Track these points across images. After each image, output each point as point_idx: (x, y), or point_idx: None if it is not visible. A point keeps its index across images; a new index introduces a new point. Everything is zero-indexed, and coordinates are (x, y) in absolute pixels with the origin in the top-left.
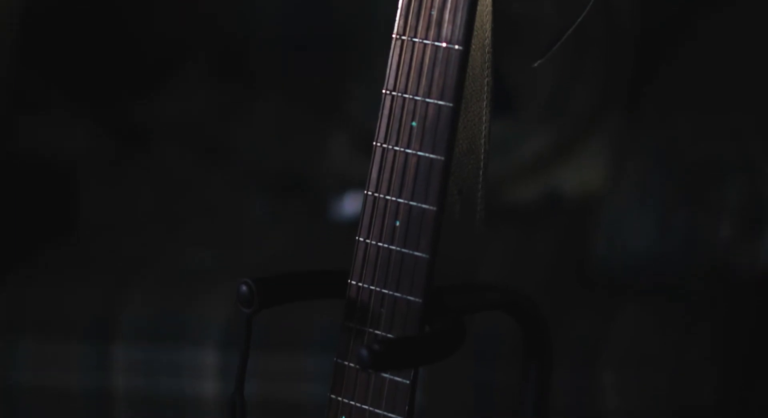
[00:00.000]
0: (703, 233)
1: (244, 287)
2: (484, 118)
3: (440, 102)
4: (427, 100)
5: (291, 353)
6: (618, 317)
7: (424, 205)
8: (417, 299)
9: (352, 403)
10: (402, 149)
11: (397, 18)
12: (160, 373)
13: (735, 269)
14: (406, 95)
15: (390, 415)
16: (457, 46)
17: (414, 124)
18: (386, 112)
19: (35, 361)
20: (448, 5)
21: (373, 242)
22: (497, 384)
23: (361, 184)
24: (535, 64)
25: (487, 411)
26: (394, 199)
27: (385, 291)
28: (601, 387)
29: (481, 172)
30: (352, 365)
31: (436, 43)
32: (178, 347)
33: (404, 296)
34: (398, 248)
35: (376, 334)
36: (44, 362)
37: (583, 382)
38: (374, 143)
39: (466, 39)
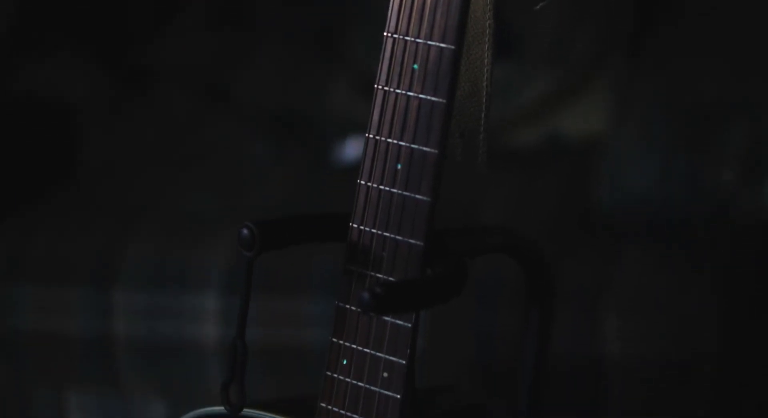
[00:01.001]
0: (706, 176)
1: (245, 231)
2: (486, 61)
3: (442, 44)
4: (429, 42)
5: (292, 297)
6: (620, 262)
7: (425, 148)
8: (418, 243)
9: (354, 347)
10: (403, 92)
11: None
12: (161, 318)
13: (738, 213)
14: (408, 38)
15: (391, 358)
16: None
17: (415, 66)
18: (387, 54)
19: (36, 306)
20: None
21: (375, 185)
22: (498, 328)
23: (363, 127)
24: (537, 7)
25: (488, 355)
26: (395, 142)
27: (387, 234)
28: (602, 332)
29: (483, 116)
30: (353, 308)
31: None
32: (179, 291)
33: (405, 240)
34: (399, 191)
35: (378, 277)
36: (45, 307)
37: (584, 326)
38: (375, 86)
39: None
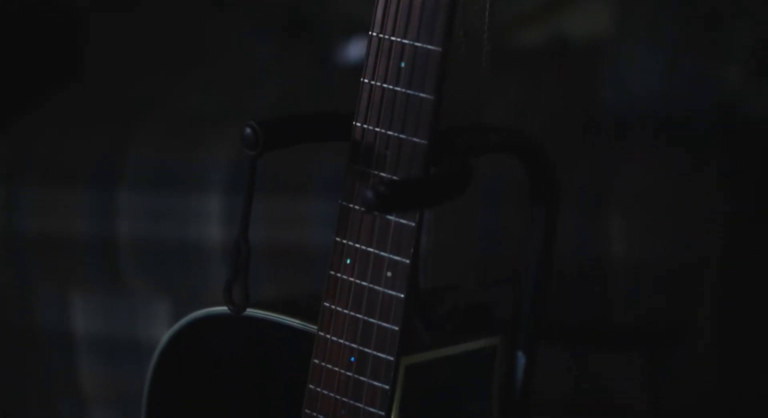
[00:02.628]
0: (712, 76)
1: (248, 130)
2: None
3: None
4: None
5: (296, 197)
6: (625, 163)
7: (429, 46)
8: (422, 141)
9: (357, 246)
10: None
11: None
12: (164, 218)
13: (744, 113)
14: None
15: (395, 258)
16: None
17: None
18: None
19: (39, 207)
20: None
21: (378, 84)
22: (503, 228)
23: (367, 26)
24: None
25: (492, 255)
26: (399, 39)
27: (390, 133)
28: (606, 233)
29: (486, 14)
30: (357, 207)
31: None
32: (182, 191)
33: (409, 138)
34: (403, 89)
35: (382, 176)
36: (48, 208)
37: (588, 228)
38: None
39: None
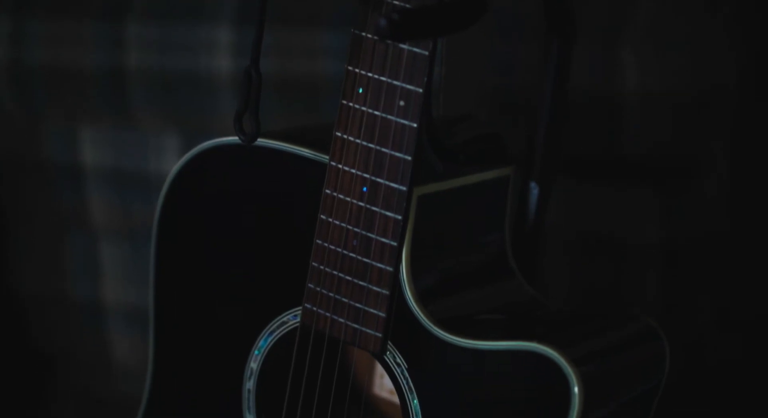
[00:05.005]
0: None
1: None
2: None
3: None
4: None
5: (308, 27)
6: None
7: None
8: None
9: (370, 75)
10: None
11: None
12: (173, 49)
13: None
14: None
15: (408, 87)
16: None
17: None
18: None
19: (46, 38)
20: None
21: None
22: (518, 58)
23: None
24: None
25: (506, 87)
26: None
27: None
28: (621, 66)
29: None
30: (369, 36)
31: None
32: (192, 22)
33: None
34: None
35: (395, 3)
36: (55, 39)
37: (603, 60)
38: None
39: None
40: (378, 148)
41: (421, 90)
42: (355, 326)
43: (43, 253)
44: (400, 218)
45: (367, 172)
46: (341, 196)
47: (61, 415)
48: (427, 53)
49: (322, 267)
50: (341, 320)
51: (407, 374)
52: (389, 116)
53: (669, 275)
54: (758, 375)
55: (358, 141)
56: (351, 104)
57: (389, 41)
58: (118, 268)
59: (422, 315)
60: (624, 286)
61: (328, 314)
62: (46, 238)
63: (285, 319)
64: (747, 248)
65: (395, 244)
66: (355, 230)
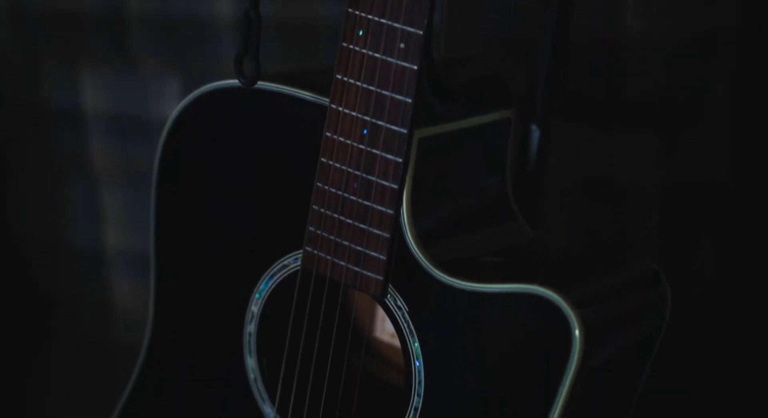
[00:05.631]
0: None
1: None
2: None
3: None
4: None
5: None
6: None
7: None
8: None
9: (370, 17)
10: None
11: None
12: None
13: None
14: None
15: (408, 29)
16: None
17: None
18: None
19: None
20: None
21: None
22: (518, 1)
23: None
24: None
25: (506, 29)
26: None
27: None
28: (622, 7)
29: None
30: None
31: None
32: None
33: None
34: None
35: None
36: None
37: (603, 2)
38: None
39: None
40: (378, 90)
41: (421, 32)
42: (356, 269)
43: (43, 198)
44: (400, 160)
45: (367, 115)
46: (342, 139)
47: (61, 360)
48: None
49: (322, 210)
50: (342, 263)
51: (408, 317)
52: (389, 59)
53: (670, 218)
54: (762, 322)
55: (358, 84)
56: (351, 47)
57: None
58: (118, 213)
59: (423, 258)
60: (625, 229)
61: (328, 258)
62: (47, 183)
63: (286, 262)
64: (748, 191)
65: (396, 187)
66: (356, 172)
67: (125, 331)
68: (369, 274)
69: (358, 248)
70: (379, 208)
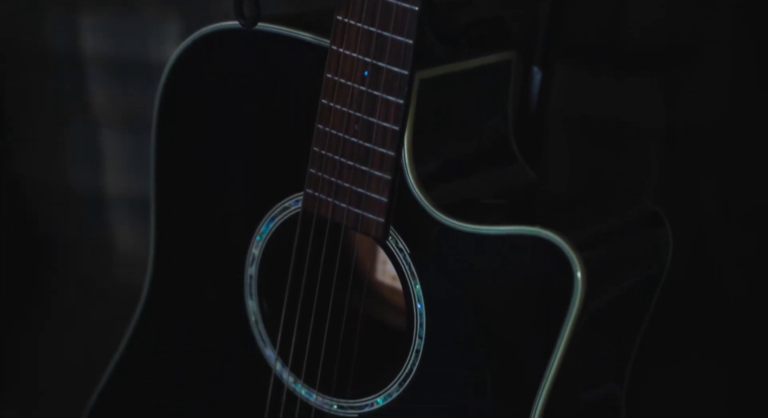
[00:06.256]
0: None
1: None
2: None
3: None
4: None
5: None
6: None
7: None
8: None
9: None
10: None
11: None
12: None
13: None
14: None
15: None
16: None
17: None
18: None
19: None
20: None
21: None
22: None
23: None
24: None
25: None
26: None
27: None
28: None
29: None
30: None
31: None
32: None
33: None
34: None
35: None
36: None
37: None
38: None
39: None
40: (379, 32)
41: None
42: (357, 211)
43: (44, 141)
44: (401, 102)
45: (368, 56)
46: (342, 81)
47: (61, 303)
48: None
49: (323, 152)
50: (343, 205)
51: (409, 260)
52: (390, 0)
53: (672, 159)
54: (763, 267)
55: (359, 25)
56: None
57: None
58: (118, 156)
59: (424, 200)
60: (626, 171)
61: (329, 200)
62: (47, 126)
63: (287, 205)
64: (750, 130)
65: (397, 128)
66: (357, 114)
67: (126, 273)
68: (370, 216)
69: (359, 189)
70: (380, 149)
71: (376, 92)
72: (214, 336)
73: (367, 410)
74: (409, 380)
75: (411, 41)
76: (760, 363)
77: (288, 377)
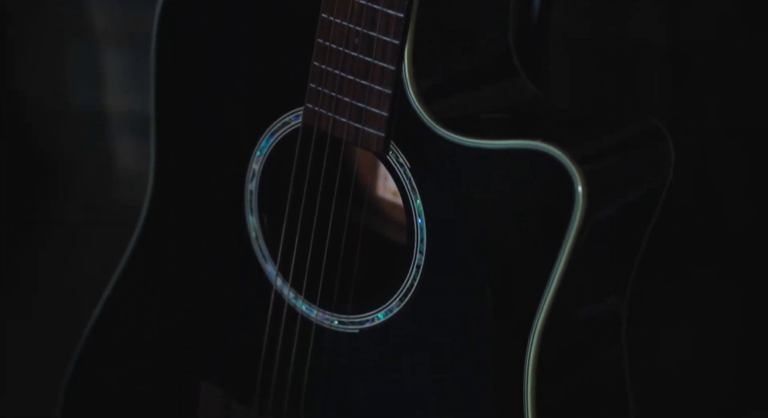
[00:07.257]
0: None
1: None
2: None
3: None
4: None
5: None
6: None
7: None
8: None
9: None
10: None
11: None
12: None
13: None
14: None
15: None
16: None
17: None
18: None
19: None
20: None
21: None
22: None
23: None
24: None
25: None
26: None
27: None
28: None
29: None
30: None
31: None
32: None
33: None
34: None
35: None
36: None
37: None
38: None
39: None
40: None
41: None
42: (358, 125)
43: (44, 60)
44: (402, 15)
45: None
46: None
47: (62, 221)
48: None
49: (323, 66)
50: (343, 119)
51: (410, 174)
52: None
53: (674, 76)
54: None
55: None
56: None
57: None
58: (119, 74)
59: (425, 114)
60: (629, 88)
61: (330, 114)
62: (48, 45)
63: (287, 119)
64: (756, 49)
65: (397, 42)
66: (357, 28)
67: (127, 191)
68: (370, 130)
69: (360, 104)
70: (381, 64)
71: (376, 6)
72: (215, 253)
73: (367, 325)
74: (410, 296)
75: None
76: (762, 279)
77: (289, 293)
